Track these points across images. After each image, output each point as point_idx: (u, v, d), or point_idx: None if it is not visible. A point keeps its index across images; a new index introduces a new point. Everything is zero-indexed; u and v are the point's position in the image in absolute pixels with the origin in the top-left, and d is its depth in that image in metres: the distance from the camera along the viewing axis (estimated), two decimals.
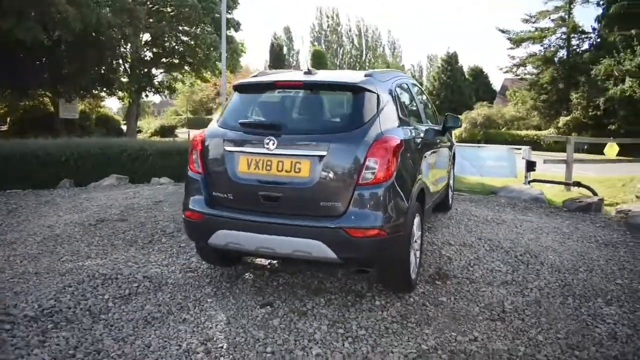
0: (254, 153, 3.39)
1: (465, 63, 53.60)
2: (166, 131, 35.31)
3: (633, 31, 23.47)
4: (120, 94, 24.20)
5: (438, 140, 4.99)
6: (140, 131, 33.20)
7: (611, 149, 10.50)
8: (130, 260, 4.42)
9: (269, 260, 4.36)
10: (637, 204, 6.62)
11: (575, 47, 30.51)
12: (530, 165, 8.87)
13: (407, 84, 4.53)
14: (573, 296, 3.76)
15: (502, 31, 32.78)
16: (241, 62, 27.67)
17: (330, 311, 3.46)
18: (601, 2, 28.51)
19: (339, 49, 70.13)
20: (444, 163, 5.39)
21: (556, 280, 4.03)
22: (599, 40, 28.74)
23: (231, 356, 2.88)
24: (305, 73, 3.73)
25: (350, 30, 72.01)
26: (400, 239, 3.37)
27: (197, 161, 3.63)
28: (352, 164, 3.22)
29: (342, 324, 3.29)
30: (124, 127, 28.95)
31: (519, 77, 33.27)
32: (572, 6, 30.09)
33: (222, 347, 2.97)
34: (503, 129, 32.11)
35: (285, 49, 72.54)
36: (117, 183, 8.68)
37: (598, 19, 28.69)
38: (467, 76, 48.21)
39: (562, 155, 10.44)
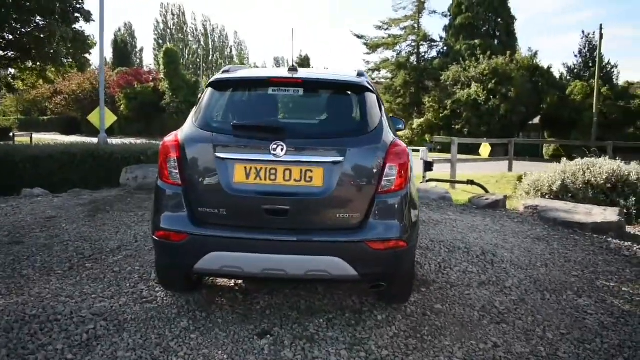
0: (255, 160, 2.90)
1: (317, 67, 55.58)
2: None
3: (477, 41, 26.53)
4: None
5: None
6: None
7: (485, 148, 11.59)
8: (60, 294, 3.56)
9: (234, 281, 3.85)
10: (534, 199, 7.31)
11: (424, 54, 33.59)
12: (428, 166, 9.36)
13: None
14: (547, 291, 3.93)
15: (358, 37, 34.71)
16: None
17: (337, 333, 3.12)
18: (447, 14, 31.71)
19: (185, 48, 67.95)
20: None
21: (525, 277, 4.19)
22: (446, 48, 31.96)
23: None
24: (290, 70, 3.32)
25: (196, 30, 70.28)
26: (414, 249, 3.18)
27: (174, 170, 3.01)
28: (371, 171, 2.94)
29: (359, 346, 2.98)
30: None
31: (375, 81, 35.48)
32: (420, 16, 33.01)
33: None
34: None
35: (128, 46, 67.97)
36: None
37: (446, 29, 31.91)
38: None
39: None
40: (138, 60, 68.94)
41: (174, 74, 34.53)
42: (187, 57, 67.08)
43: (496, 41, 30.63)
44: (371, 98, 3.19)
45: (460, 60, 27.44)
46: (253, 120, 3.17)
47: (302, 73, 3.30)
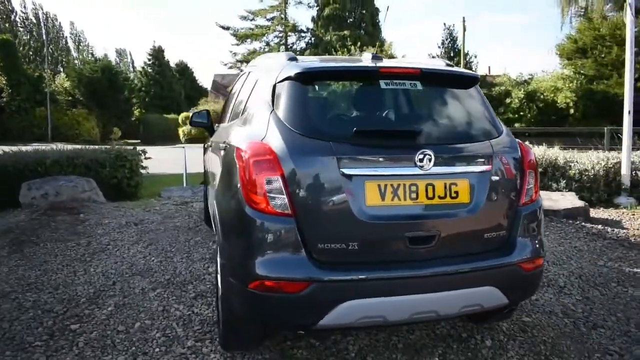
0: (394, 176, 2.27)
1: (172, 59, 52.27)
2: None
3: (346, 32, 26.99)
4: None
5: None
6: None
7: None
8: None
9: None
10: None
11: (291, 45, 33.36)
12: None
13: None
14: (598, 285, 3.88)
15: (224, 28, 33.29)
16: None
17: None
18: (313, 4, 31.75)
19: (15, 39, 59.35)
20: None
21: (567, 273, 4.11)
22: (314, 39, 32.10)
23: None
24: (374, 58, 2.71)
25: (27, 19, 61.95)
26: None
27: (279, 195, 2.21)
28: (515, 180, 2.52)
29: None
30: None
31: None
32: (286, 6, 32.69)
33: None
34: None
35: None
36: None
37: (314, 20, 31.99)
38: (174, 72, 47.21)
39: None
40: None
41: (12, 69, 29.47)
42: (18, 49, 58.48)
43: (363, 32, 31.68)
44: (482, 93, 2.74)
45: (332, 52, 27.82)
46: (370, 121, 2.50)
47: (391, 62, 2.71)
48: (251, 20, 32.97)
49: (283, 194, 2.21)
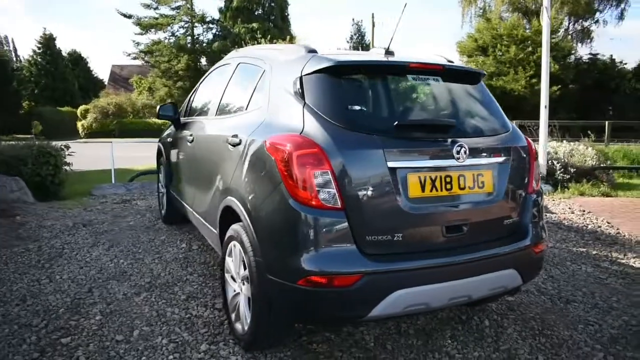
0: (433, 168, 2.36)
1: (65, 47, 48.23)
2: None
3: (255, 24, 26.69)
4: None
5: None
6: None
7: None
8: None
9: None
10: None
11: (198, 36, 32.19)
12: None
13: None
14: (557, 265, 4.29)
15: (126, 16, 31.30)
16: None
17: (480, 351, 2.84)
18: None
19: None
20: None
21: None
22: (221, 30, 31.18)
23: None
24: (387, 53, 2.78)
25: None
26: None
27: (328, 189, 2.19)
28: (524, 170, 2.73)
29: (516, 359, 2.76)
30: None
31: (150, 64, 32.63)
32: None
33: None
34: (132, 118, 30.73)
35: None
36: None
37: (222, 11, 31.05)
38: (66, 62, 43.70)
39: None
40: None
41: None
42: None
43: (272, 25, 31.46)
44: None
45: (242, 44, 27.33)
46: (408, 115, 2.56)
47: (406, 57, 2.79)
48: (155, 9, 31.31)
49: (332, 188, 2.20)
